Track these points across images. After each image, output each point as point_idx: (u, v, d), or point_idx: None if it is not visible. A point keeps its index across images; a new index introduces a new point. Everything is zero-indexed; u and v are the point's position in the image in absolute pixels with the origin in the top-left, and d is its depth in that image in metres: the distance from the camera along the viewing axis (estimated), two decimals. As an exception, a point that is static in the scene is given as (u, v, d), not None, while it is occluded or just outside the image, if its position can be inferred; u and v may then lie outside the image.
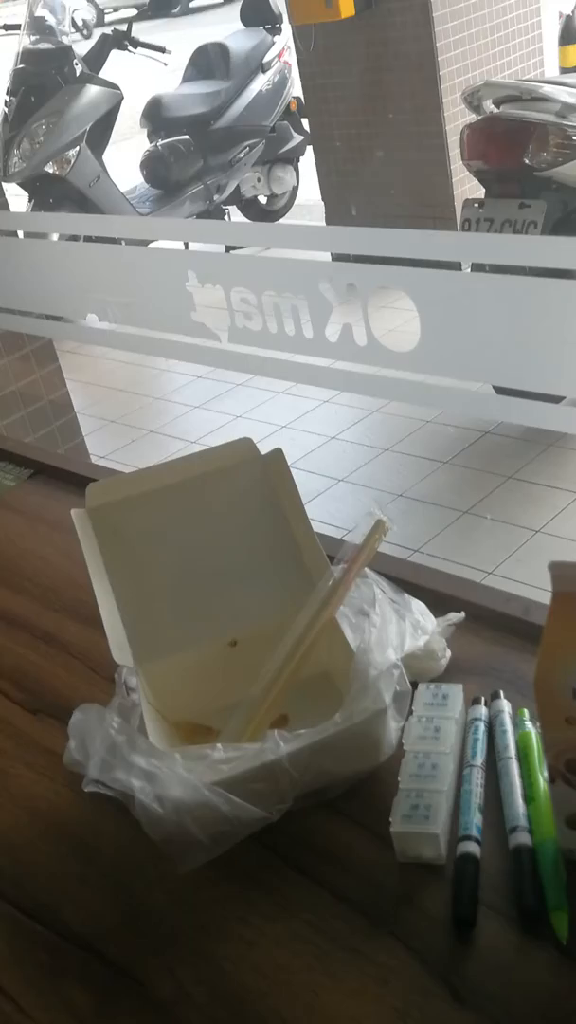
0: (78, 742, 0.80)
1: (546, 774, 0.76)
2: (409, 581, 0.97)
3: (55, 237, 3.07)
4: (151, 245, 2.44)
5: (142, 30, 5.46)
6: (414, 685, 0.86)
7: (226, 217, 5.77)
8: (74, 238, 2.42)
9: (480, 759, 0.81)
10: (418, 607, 0.90)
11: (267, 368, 1.28)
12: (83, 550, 0.95)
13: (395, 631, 0.85)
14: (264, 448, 1.01)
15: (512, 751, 0.81)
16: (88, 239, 1.77)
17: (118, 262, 1.42)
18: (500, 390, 1.24)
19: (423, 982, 0.68)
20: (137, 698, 0.88)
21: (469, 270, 1.99)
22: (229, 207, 5.84)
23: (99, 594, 0.93)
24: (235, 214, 5.93)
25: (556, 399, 1.21)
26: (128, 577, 0.95)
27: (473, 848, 0.74)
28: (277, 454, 1.00)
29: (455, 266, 1.34)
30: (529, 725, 0.83)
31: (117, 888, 0.80)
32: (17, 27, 5.24)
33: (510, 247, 1.22)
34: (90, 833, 0.85)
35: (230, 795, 0.74)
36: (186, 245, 3.66)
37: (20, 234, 1.96)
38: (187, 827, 0.74)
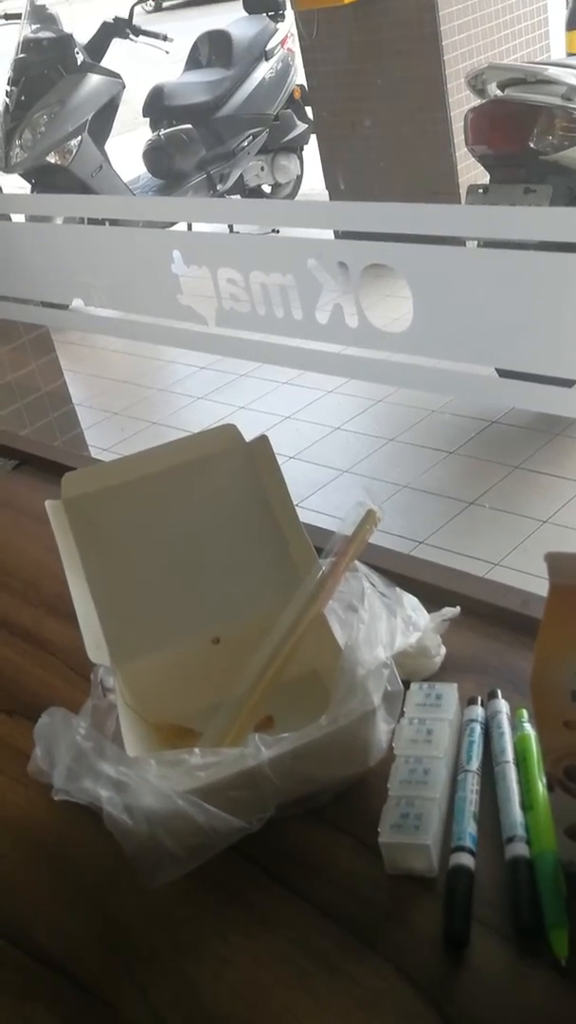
0: (44, 749, 0.76)
1: (545, 780, 0.71)
2: (402, 574, 0.92)
3: (59, 222, 3.02)
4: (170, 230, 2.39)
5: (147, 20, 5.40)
6: (406, 685, 0.81)
7: (229, 207, 5.71)
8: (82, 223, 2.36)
9: (475, 764, 0.76)
10: (410, 602, 0.85)
11: (258, 352, 1.23)
12: (58, 544, 0.90)
13: (385, 628, 0.80)
14: (272, 438, 0.96)
15: (510, 755, 0.76)
16: (93, 222, 1.71)
17: (101, 244, 1.37)
18: (504, 373, 1.19)
19: (412, 1006, 0.63)
20: (114, 699, 0.83)
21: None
22: (233, 196, 5.78)
23: (74, 590, 0.88)
24: (239, 204, 5.88)
25: (568, 383, 1.15)
26: (105, 571, 0.90)
27: (467, 860, 0.69)
28: (262, 441, 0.95)
29: (460, 244, 1.28)
30: (528, 727, 0.78)
31: (90, 903, 0.75)
32: (18, 16, 5.19)
33: (514, 220, 1.16)
34: (63, 843, 0.80)
35: (206, 804, 0.70)
36: (189, 227, 3.60)
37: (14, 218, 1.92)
38: (159, 839, 0.69)
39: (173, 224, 3.44)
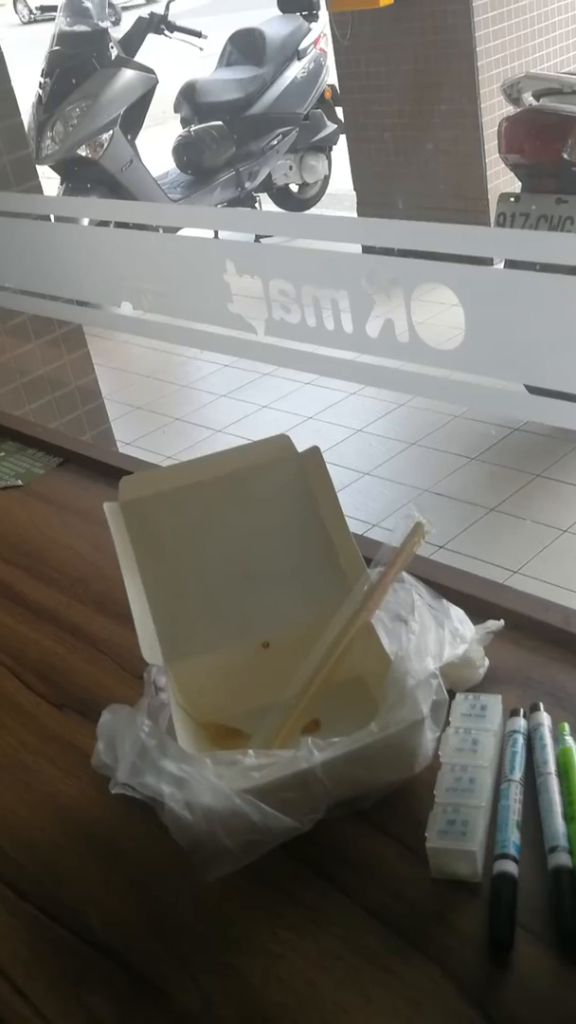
0: (106, 744, 0.78)
1: (588, 793, 0.74)
2: (446, 585, 0.95)
3: (85, 222, 3.05)
4: (180, 232, 2.42)
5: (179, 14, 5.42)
6: (451, 695, 0.84)
7: (257, 205, 5.73)
8: (104, 223, 2.39)
9: (518, 774, 0.79)
10: (457, 614, 0.87)
11: (301, 362, 1.26)
12: (115, 545, 0.93)
13: (434, 639, 0.82)
14: (294, 439, 0.98)
15: (552, 767, 0.78)
16: (119, 225, 1.73)
17: (154, 249, 1.40)
18: (533, 390, 1.21)
19: (457, 1006, 0.65)
20: (166, 698, 0.86)
21: (502, 267, 1.96)
22: (260, 195, 5.80)
23: (130, 590, 0.91)
24: (266, 202, 5.90)
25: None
26: (160, 574, 0.93)
27: (510, 867, 0.72)
28: (314, 452, 0.97)
29: (487, 262, 1.30)
30: (570, 740, 0.80)
31: (143, 894, 0.78)
32: (54, 9, 5.22)
33: (549, 244, 1.18)
34: (116, 835, 0.83)
35: (261, 804, 0.72)
36: (216, 233, 3.64)
37: (52, 218, 1.94)
38: (216, 835, 0.72)
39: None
